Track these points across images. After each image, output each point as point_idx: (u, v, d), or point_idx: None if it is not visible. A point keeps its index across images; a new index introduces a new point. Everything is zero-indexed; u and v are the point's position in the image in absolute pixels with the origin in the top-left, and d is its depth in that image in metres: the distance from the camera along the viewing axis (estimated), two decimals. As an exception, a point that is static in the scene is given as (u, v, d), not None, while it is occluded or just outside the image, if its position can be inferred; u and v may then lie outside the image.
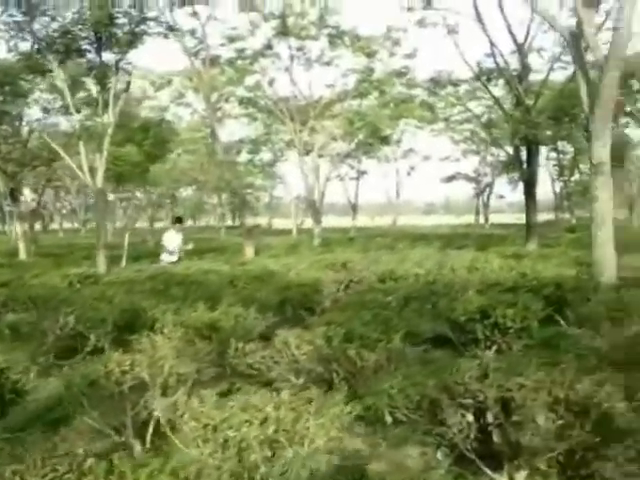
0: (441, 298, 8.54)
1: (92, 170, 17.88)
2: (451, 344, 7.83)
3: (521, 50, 22.04)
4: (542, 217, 60.80)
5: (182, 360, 6.19)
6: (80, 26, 16.57)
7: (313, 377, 5.91)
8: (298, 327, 6.87)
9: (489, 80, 25.02)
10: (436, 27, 24.45)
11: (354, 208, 55.56)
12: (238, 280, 12.08)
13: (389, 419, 4.71)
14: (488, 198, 62.59)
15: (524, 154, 23.11)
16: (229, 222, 73.11)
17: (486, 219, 60.57)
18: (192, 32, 25.38)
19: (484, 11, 22.16)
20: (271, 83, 34.69)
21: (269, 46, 31.65)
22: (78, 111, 18.25)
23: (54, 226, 77.12)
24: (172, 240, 15.58)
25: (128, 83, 18.84)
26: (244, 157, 51.30)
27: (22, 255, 26.24)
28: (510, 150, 25.48)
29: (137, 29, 16.91)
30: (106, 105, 17.85)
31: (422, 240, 27.04)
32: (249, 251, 22.70)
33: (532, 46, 23.22)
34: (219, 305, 8.21)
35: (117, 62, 17.68)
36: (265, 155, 52.37)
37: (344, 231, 47.58)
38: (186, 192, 77.66)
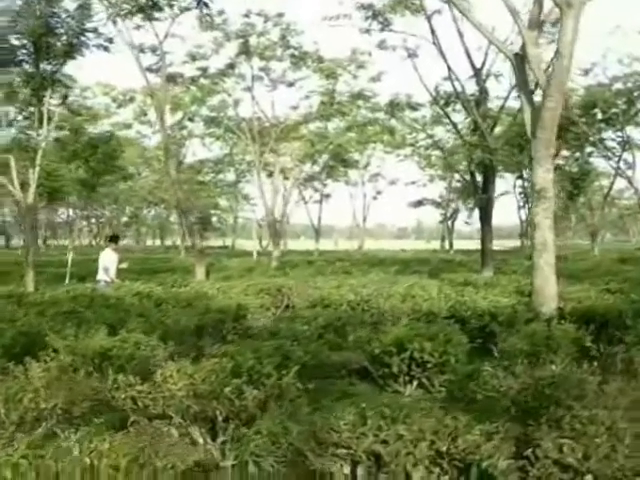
0: (361, 327, 7.96)
1: (24, 185, 17.07)
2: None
3: (478, 75, 21.74)
4: (509, 244, 60.93)
5: (52, 393, 5.58)
6: (17, 35, 15.86)
7: (194, 415, 5.31)
8: (196, 357, 6.28)
9: (447, 104, 24.68)
10: (395, 50, 24.07)
11: (317, 231, 55.09)
12: (166, 303, 11.46)
13: (252, 469, 4.09)
14: (453, 224, 62.56)
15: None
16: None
17: (450, 244, 60.36)
18: (153, 49, 24.69)
19: (444, 35, 21.82)
20: (236, 104, 34.21)
21: (232, 65, 31.19)
22: (10, 124, 17.45)
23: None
24: (107, 259, 15.01)
25: (65, 96, 18.07)
26: (209, 177, 50.77)
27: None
28: (468, 176, 25.10)
29: (75, 40, 16.24)
30: (42, 118, 17.19)
31: (381, 265, 26.52)
32: (200, 272, 21.96)
33: (490, 71, 22.97)
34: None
35: (53, 73, 16.89)
36: (229, 176, 51.88)
37: (309, 254, 46.96)
38: (154, 211, 76.93)
